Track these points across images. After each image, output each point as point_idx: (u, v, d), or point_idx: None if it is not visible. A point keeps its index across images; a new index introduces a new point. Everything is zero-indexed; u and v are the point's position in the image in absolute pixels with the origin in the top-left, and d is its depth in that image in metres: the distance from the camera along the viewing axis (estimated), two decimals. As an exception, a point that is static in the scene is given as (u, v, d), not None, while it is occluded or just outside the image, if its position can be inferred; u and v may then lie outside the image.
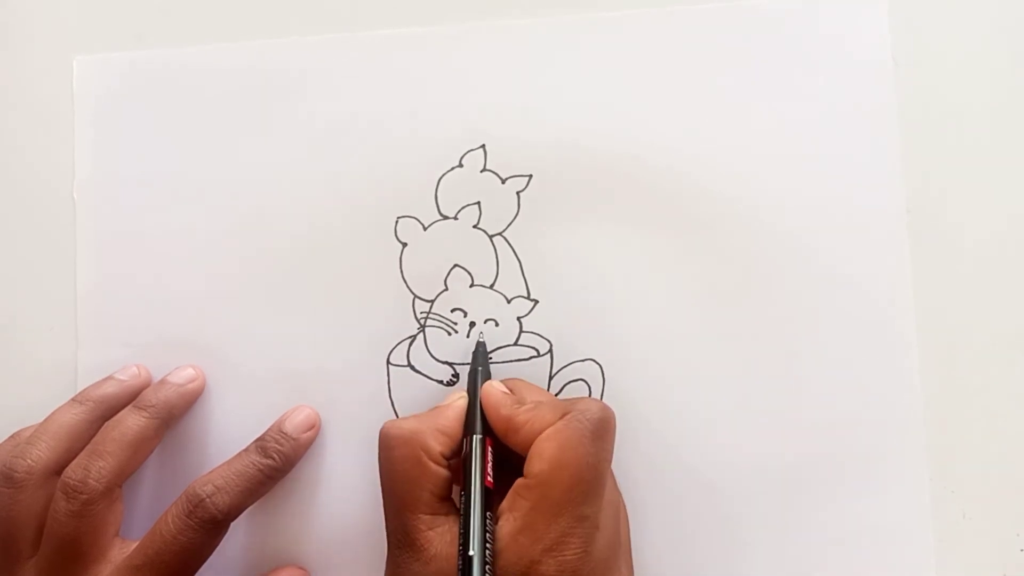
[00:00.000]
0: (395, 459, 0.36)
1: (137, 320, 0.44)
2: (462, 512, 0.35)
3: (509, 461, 0.37)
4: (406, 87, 0.43)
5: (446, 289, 0.42)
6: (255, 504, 0.40)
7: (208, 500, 0.38)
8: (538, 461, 0.35)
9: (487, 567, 0.33)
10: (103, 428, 0.40)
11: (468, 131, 0.43)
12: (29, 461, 0.39)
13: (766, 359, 0.41)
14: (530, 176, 0.42)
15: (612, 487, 0.37)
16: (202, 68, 0.45)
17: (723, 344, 0.41)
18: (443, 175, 0.43)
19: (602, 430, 0.35)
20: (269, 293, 0.43)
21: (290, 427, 0.41)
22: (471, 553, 0.33)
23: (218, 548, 0.39)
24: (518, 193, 0.42)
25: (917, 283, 0.41)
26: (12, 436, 0.42)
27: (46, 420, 0.41)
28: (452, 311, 0.42)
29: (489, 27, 0.43)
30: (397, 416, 0.42)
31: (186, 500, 0.38)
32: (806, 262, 0.41)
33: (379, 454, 0.37)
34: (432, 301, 0.42)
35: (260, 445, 0.40)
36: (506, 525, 0.34)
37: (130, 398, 0.42)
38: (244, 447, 0.41)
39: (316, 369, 0.43)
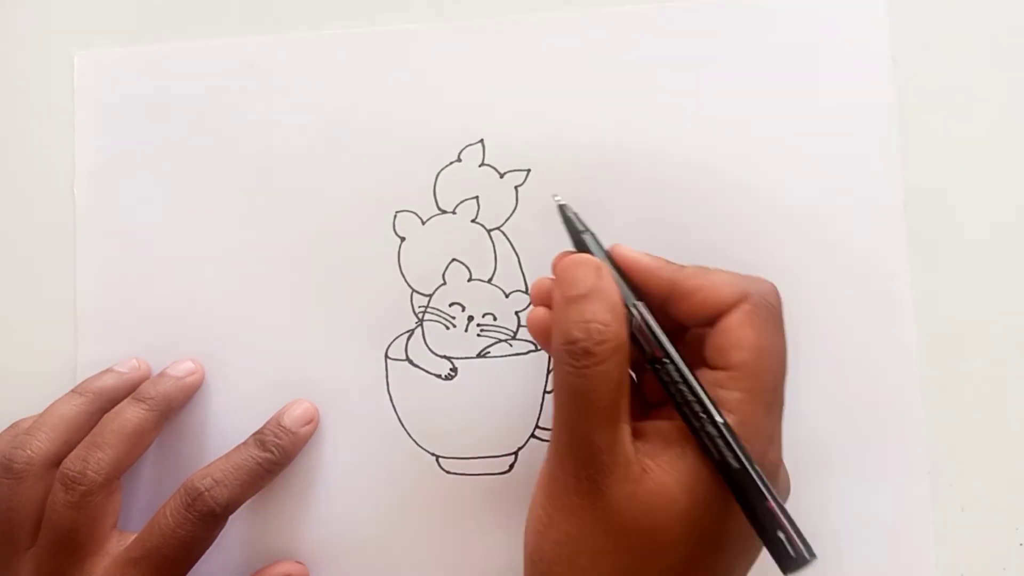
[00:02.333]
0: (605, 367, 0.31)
1: (136, 315, 0.44)
2: (692, 418, 0.31)
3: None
4: (404, 82, 0.43)
5: (444, 283, 0.42)
6: (253, 498, 0.40)
7: (207, 493, 0.38)
8: (738, 350, 0.32)
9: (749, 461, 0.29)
10: (102, 420, 0.40)
11: (466, 126, 0.43)
12: (29, 452, 0.39)
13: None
14: (528, 171, 0.43)
15: None
16: (202, 64, 0.45)
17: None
18: (441, 169, 0.43)
19: (781, 314, 0.34)
20: (268, 287, 0.43)
21: (288, 420, 0.41)
22: (759, 476, 0.30)
23: (216, 541, 0.39)
24: (516, 188, 0.43)
25: (917, 281, 0.41)
26: (11, 427, 0.42)
27: (45, 411, 0.41)
28: (450, 305, 0.42)
29: (488, 23, 0.43)
30: (395, 411, 0.42)
31: (184, 493, 0.38)
32: (805, 261, 0.41)
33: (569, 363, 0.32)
34: (430, 295, 0.43)
35: (259, 438, 0.41)
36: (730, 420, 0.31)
37: (129, 390, 0.42)
38: (243, 440, 0.41)
39: (314, 363, 0.43)
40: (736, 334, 0.32)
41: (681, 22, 0.43)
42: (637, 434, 0.32)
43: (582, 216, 0.36)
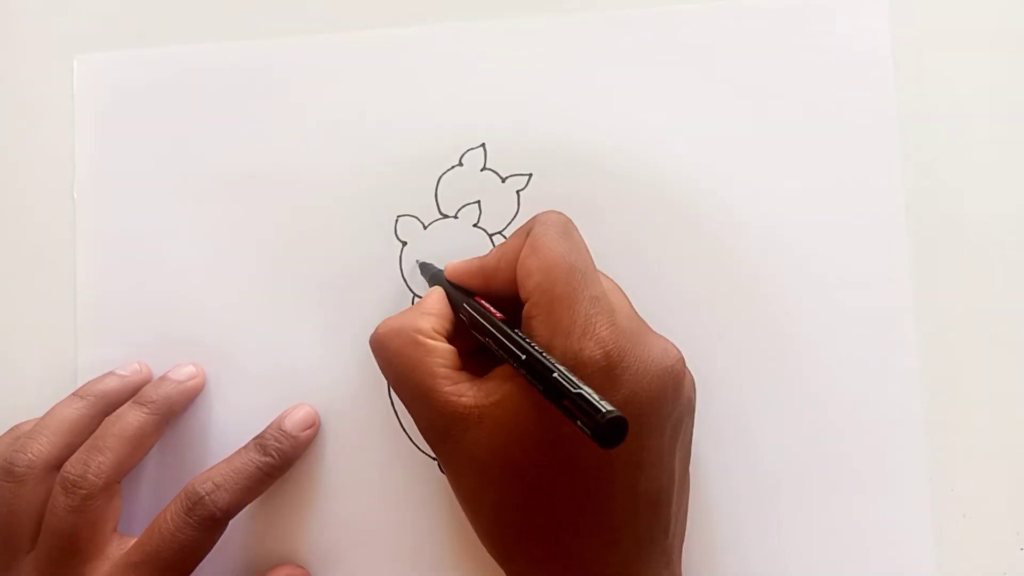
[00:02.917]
0: (393, 353, 0.36)
1: (137, 319, 0.44)
2: (494, 343, 0.34)
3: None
4: (406, 86, 0.43)
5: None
6: (254, 502, 0.40)
7: (207, 498, 0.38)
8: (529, 277, 0.35)
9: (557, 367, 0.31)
10: (103, 423, 0.40)
11: (468, 130, 0.43)
12: (30, 455, 0.39)
13: (765, 359, 0.41)
14: (530, 175, 0.43)
15: (604, 278, 0.37)
16: (202, 67, 0.45)
17: (722, 344, 0.41)
18: (443, 174, 0.43)
19: (567, 227, 0.36)
20: (269, 291, 0.43)
21: (289, 425, 0.41)
22: (540, 355, 0.32)
23: (217, 546, 0.39)
24: (518, 192, 0.43)
25: (917, 283, 0.41)
26: (12, 429, 0.42)
27: (47, 414, 0.41)
28: (452, 309, 0.42)
29: (489, 26, 0.43)
30: (396, 415, 0.42)
31: (185, 497, 0.38)
32: (805, 262, 0.41)
33: (377, 359, 0.37)
34: (432, 299, 0.42)
35: (259, 443, 0.40)
36: (537, 341, 0.34)
37: (131, 394, 0.42)
38: (243, 445, 0.41)
39: (315, 367, 0.43)
40: (525, 265, 0.35)
41: (682, 26, 0.43)
42: (483, 380, 0.35)
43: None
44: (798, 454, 0.41)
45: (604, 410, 0.28)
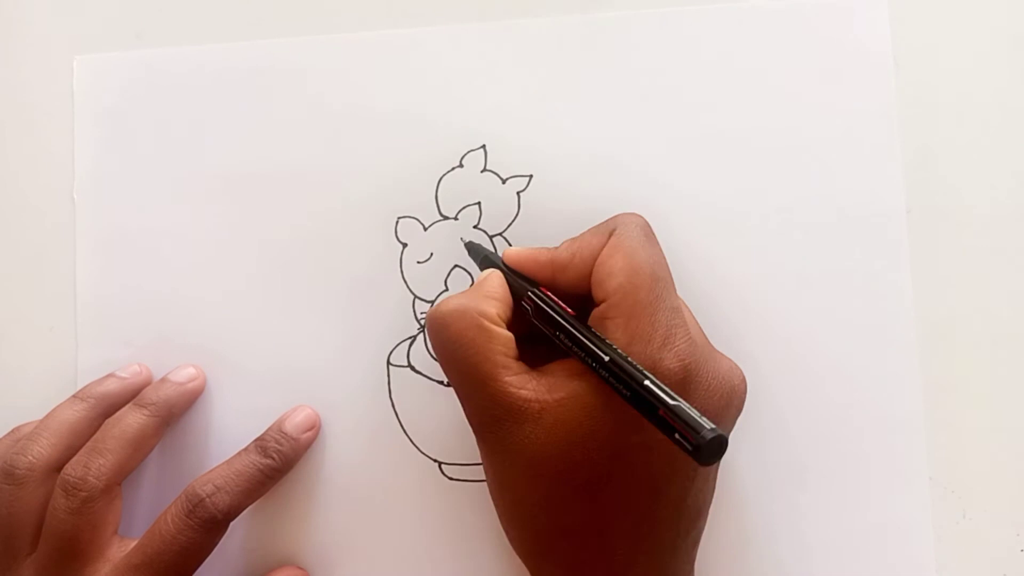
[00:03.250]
0: (454, 335, 0.34)
1: (137, 320, 0.44)
2: (570, 340, 0.34)
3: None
4: (406, 87, 0.43)
5: (447, 289, 0.42)
6: (255, 504, 0.40)
7: (208, 500, 0.38)
8: (611, 277, 0.34)
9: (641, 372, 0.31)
10: (103, 425, 0.40)
11: (468, 131, 0.43)
12: (31, 458, 0.39)
13: (765, 359, 0.41)
14: (530, 176, 0.43)
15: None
16: (202, 68, 0.45)
17: (722, 344, 0.41)
18: (443, 175, 0.43)
19: (650, 232, 0.36)
20: (269, 293, 0.43)
21: (290, 427, 0.41)
22: (627, 360, 0.31)
23: (217, 548, 0.39)
24: (518, 193, 0.43)
25: (917, 283, 0.41)
26: (12, 432, 0.42)
27: (47, 416, 0.41)
28: (452, 311, 0.42)
29: (489, 27, 0.43)
30: (397, 417, 0.42)
31: (186, 500, 0.38)
32: (805, 261, 0.41)
33: (433, 341, 0.36)
34: (433, 302, 0.42)
35: (260, 445, 0.40)
36: (613, 344, 0.33)
37: (131, 396, 0.42)
38: (244, 447, 0.41)
39: (316, 369, 0.43)
40: (607, 265, 0.35)
41: (682, 27, 0.43)
42: (543, 374, 0.34)
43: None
44: (798, 454, 0.41)
45: (708, 427, 0.28)
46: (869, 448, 0.41)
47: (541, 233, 0.42)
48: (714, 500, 0.40)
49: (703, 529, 0.37)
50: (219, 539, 0.39)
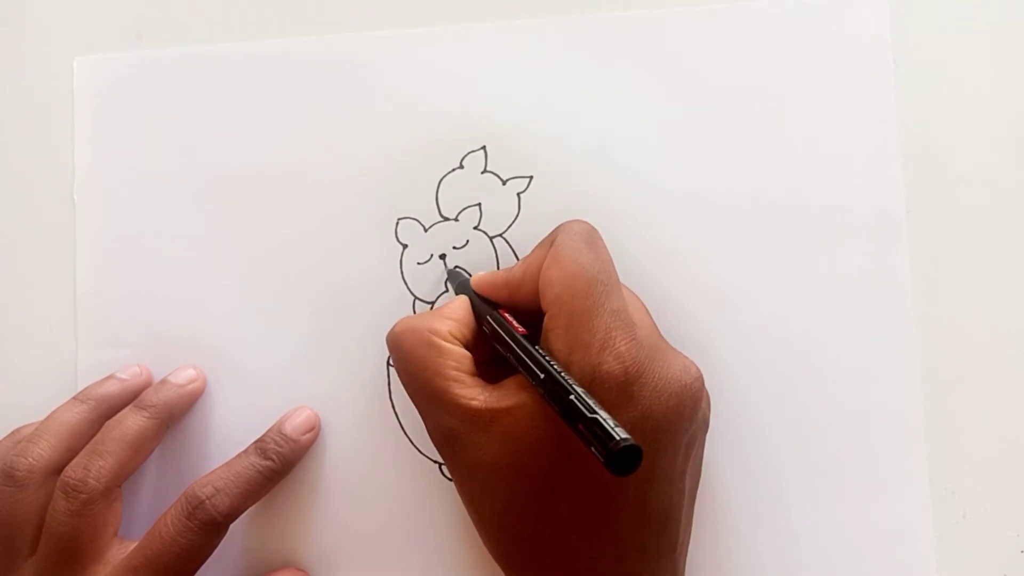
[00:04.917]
0: (406, 352, 0.36)
1: (137, 320, 0.44)
2: (514, 359, 0.34)
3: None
4: (406, 88, 0.43)
5: (447, 291, 0.42)
6: (255, 505, 0.40)
7: (208, 502, 0.38)
8: (550, 288, 0.35)
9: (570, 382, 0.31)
10: (104, 427, 0.40)
11: (469, 132, 0.43)
12: (31, 460, 0.39)
13: (765, 359, 0.41)
14: (531, 177, 0.43)
15: (627, 291, 0.37)
16: (202, 68, 0.45)
17: (722, 344, 0.41)
18: (444, 176, 0.43)
19: (591, 237, 0.36)
20: (269, 294, 0.43)
21: (290, 428, 0.41)
22: (559, 374, 0.32)
23: (217, 549, 0.39)
24: (519, 194, 0.43)
25: (917, 283, 0.41)
26: (12, 433, 0.42)
27: (47, 418, 0.41)
28: (452, 312, 0.42)
29: (489, 27, 0.43)
30: (397, 418, 0.42)
31: (185, 501, 0.38)
32: (805, 262, 0.41)
33: (392, 358, 0.37)
34: (433, 303, 0.42)
35: (259, 447, 0.40)
36: (555, 354, 0.34)
37: (131, 397, 0.42)
38: (244, 449, 0.41)
39: (316, 370, 0.43)
40: (545, 276, 0.35)
41: (683, 27, 0.42)
42: (496, 388, 0.35)
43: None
44: (798, 454, 0.41)
45: (618, 437, 0.28)
46: (869, 448, 0.40)
47: (541, 234, 0.42)
48: (713, 501, 0.40)
49: (685, 532, 0.37)
50: (219, 541, 0.39)
